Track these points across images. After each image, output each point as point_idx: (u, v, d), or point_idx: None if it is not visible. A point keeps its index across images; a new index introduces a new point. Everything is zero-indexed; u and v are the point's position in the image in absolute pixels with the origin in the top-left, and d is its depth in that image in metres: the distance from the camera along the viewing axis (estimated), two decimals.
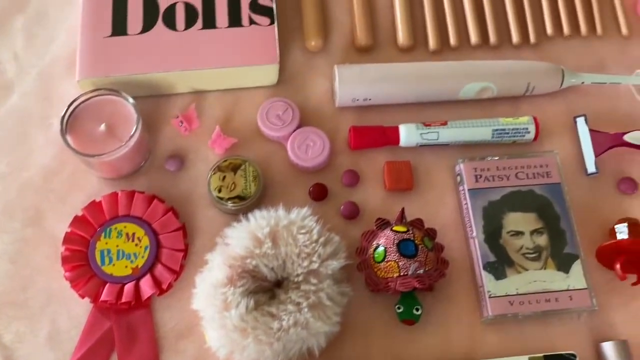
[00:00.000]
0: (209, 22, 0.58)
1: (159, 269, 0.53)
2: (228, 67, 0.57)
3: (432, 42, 0.62)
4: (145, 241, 0.53)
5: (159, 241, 0.54)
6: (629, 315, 0.53)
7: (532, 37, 0.62)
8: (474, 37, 0.62)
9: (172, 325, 0.52)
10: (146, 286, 0.52)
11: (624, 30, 0.63)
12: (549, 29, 0.63)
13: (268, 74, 0.59)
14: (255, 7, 0.59)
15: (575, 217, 0.56)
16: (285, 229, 0.50)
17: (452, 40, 0.62)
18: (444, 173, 0.58)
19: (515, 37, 0.62)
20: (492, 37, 0.62)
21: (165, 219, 0.54)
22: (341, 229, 0.55)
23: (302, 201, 0.56)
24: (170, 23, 0.58)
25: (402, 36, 0.62)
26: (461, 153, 0.58)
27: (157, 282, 0.52)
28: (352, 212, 0.56)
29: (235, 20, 0.58)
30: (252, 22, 0.58)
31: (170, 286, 0.53)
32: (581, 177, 0.58)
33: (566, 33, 0.63)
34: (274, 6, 0.59)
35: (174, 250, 0.54)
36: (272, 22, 0.59)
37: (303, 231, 0.50)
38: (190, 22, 0.58)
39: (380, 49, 0.63)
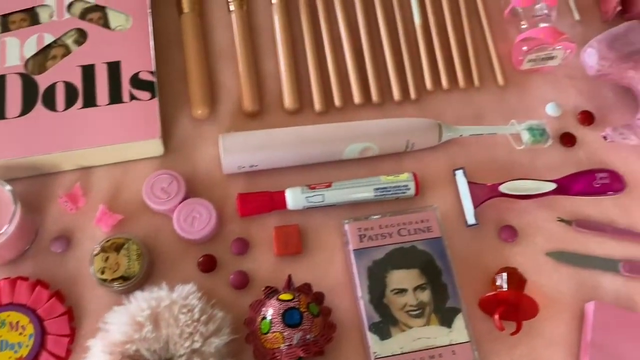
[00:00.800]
0: (90, 101, 0.58)
1: (45, 357, 0.52)
2: (109, 145, 0.57)
3: (317, 104, 0.64)
4: (30, 329, 0.52)
5: (44, 328, 0.53)
6: None
7: (412, 94, 0.65)
8: (357, 97, 0.64)
9: None
10: None
11: (500, 80, 0.66)
12: (429, 84, 0.65)
13: (152, 147, 0.59)
14: (136, 83, 0.60)
15: (459, 269, 0.58)
16: (166, 310, 0.50)
17: (337, 101, 0.64)
18: (332, 233, 0.59)
19: (396, 95, 0.65)
20: (374, 96, 0.65)
21: (50, 304, 0.53)
22: (231, 300, 0.56)
23: (192, 274, 0.57)
24: (50, 104, 0.58)
25: (287, 100, 0.64)
26: (349, 212, 0.60)
27: None
28: (242, 282, 0.56)
29: (115, 97, 0.59)
30: (132, 97, 0.59)
31: None
32: (463, 229, 0.60)
33: (445, 87, 0.66)
34: (155, 80, 0.60)
35: (59, 336, 0.53)
36: (153, 97, 0.59)
37: (184, 310, 0.50)
38: (70, 101, 0.58)
39: (268, 114, 0.64)
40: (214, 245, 0.58)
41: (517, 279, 0.56)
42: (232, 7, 0.67)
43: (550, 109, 0.65)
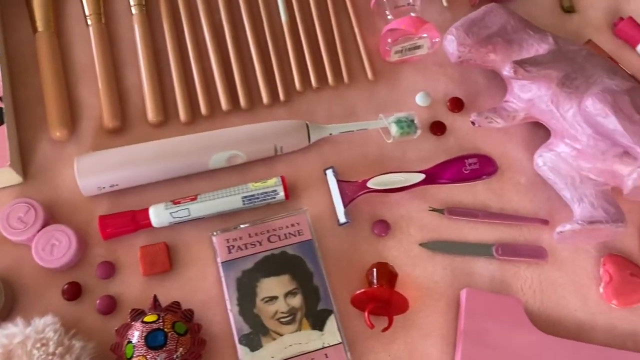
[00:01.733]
0: None
1: None
2: None
3: (182, 115, 0.62)
4: None
5: None
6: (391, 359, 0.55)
7: (281, 95, 0.64)
8: (224, 104, 0.63)
9: None
10: None
11: (370, 75, 0.66)
12: (298, 85, 0.64)
13: (8, 175, 0.57)
14: None
15: (334, 269, 0.57)
16: (19, 346, 0.48)
17: (203, 109, 0.63)
18: (203, 246, 0.58)
19: (265, 98, 0.64)
20: (242, 101, 0.63)
21: None
22: (99, 326, 0.54)
23: (56, 303, 0.55)
24: None
25: (151, 113, 0.62)
26: (219, 223, 0.58)
27: None
28: (109, 307, 0.54)
29: None
30: None
31: None
32: (337, 228, 0.59)
33: (315, 86, 0.65)
34: (3, 106, 0.58)
35: None
36: (1, 123, 0.57)
37: (38, 345, 0.48)
38: None
39: (132, 129, 0.62)
40: (79, 271, 0.56)
41: (387, 274, 0.56)
42: (89, 21, 0.65)
43: (420, 99, 0.65)
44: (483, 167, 0.62)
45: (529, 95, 0.61)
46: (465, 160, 0.62)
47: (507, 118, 0.62)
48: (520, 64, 0.56)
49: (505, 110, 0.63)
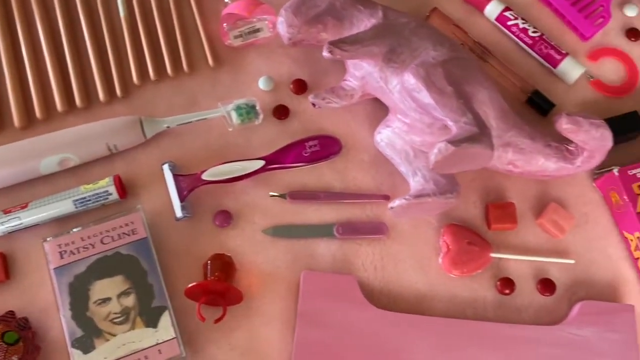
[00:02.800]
0: None
1: None
2: None
3: (16, 120, 0.61)
4: None
5: None
6: (227, 350, 0.55)
7: (118, 91, 0.63)
8: (59, 105, 0.62)
9: None
10: None
11: (211, 62, 0.65)
12: (135, 78, 0.63)
13: None
14: None
15: (173, 264, 0.57)
16: None
17: (38, 112, 0.61)
18: (39, 254, 0.57)
19: (101, 95, 0.62)
20: (78, 100, 0.62)
21: None
22: None
23: None
24: None
25: None
26: (55, 228, 0.58)
27: None
28: None
29: None
30: None
31: None
32: (176, 224, 0.59)
33: (153, 78, 0.64)
34: None
35: None
36: None
37: None
38: None
39: None
40: None
41: (221, 265, 0.56)
42: None
43: (262, 84, 0.64)
44: (325, 148, 0.62)
45: (362, 72, 0.60)
46: (306, 144, 0.62)
47: (345, 97, 0.62)
48: (335, 44, 0.55)
49: (343, 89, 0.62)
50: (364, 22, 0.60)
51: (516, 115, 0.59)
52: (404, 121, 0.59)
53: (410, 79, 0.54)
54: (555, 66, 0.66)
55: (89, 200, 0.57)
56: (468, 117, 0.51)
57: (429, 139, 0.58)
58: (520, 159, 0.58)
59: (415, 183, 0.58)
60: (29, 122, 0.61)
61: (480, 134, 0.50)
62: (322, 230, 0.60)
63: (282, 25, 0.61)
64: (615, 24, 0.69)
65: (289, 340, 0.56)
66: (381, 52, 0.57)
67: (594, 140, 0.56)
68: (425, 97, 0.54)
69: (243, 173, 0.60)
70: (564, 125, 0.55)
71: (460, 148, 0.49)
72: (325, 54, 0.56)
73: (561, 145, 0.58)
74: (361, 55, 0.57)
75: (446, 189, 0.57)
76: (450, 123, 0.52)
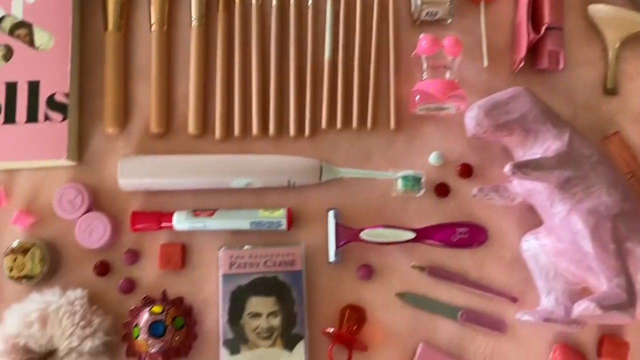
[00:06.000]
0: (10, 117, 0.66)
1: None
2: (24, 161, 0.66)
3: (218, 132, 0.70)
4: None
5: None
6: None
7: (307, 131, 0.70)
8: (255, 129, 0.70)
9: None
10: None
11: (392, 124, 0.70)
12: (324, 123, 0.70)
13: (62, 162, 0.67)
14: (51, 104, 0.67)
15: (315, 300, 0.66)
16: (53, 312, 0.61)
17: (236, 131, 0.70)
18: (212, 255, 0.67)
19: (292, 130, 0.70)
20: (272, 130, 0.70)
21: None
22: (118, 302, 0.66)
23: (88, 275, 0.67)
24: None
25: (191, 125, 0.70)
26: (228, 237, 0.68)
27: None
28: (129, 288, 0.66)
29: (32, 116, 0.66)
30: (47, 118, 0.67)
31: None
32: (326, 264, 0.67)
33: (339, 127, 0.70)
34: (68, 102, 0.67)
35: None
36: (64, 118, 0.67)
37: (68, 315, 0.61)
38: None
39: (174, 135, 0.71)
40: (110, 253, 0.68)
41: (356, 317, 0.64)
42: (153, 27, 0.71)
43: (433, 159, 0.69)
44: (472, 236, 0.67)
45: (531, 185, 0.64)
46: (457, 229, 0.67)
47: (507, 199, 0.66)
48: (519, 167, 0.59)
49: (507, 190, 0.66)
50: (548, 142, 0.63)
51: None
52: (556, 244, 0.62)
53: (577, 224, 0.58)
54: None
55: (263, 224, 0.66)
56: (621, 279, 0.54)
57: (574, 269, 0.61)
58: None
59: (547, 302, 0.63)
60: (227, 137, 0.70)
61: (627, 304, 0.53)
62: (448, 311, 0.66)
63: (471, 121, 0.65)
64: None
65: None
66: (558, 180, 0.61)
67: None
68: (587, 245, 0.57)
69: (394, 240, 0.67)
70: None
71: (606, 313, 0.52)
72: (507, 171, 0.60)
73: None
74: (539, 179, 0.60)
75: (574, 320, 0.61)
76: (603, 279, 0.56)
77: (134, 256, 0.67)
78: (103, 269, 0.67)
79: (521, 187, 0.65)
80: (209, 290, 0.67)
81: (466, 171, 0.69)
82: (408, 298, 0.67)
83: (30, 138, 0.66)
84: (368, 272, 0.67)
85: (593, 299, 0.53)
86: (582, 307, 0.53)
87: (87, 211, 0.67)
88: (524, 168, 0.59)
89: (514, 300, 0.66)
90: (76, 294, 0.63)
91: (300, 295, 0.65)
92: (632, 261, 0.58)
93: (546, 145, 0.63)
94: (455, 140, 0.71)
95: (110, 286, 0.67)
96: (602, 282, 0.55)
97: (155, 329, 0.62)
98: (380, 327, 0.66)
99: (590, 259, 0.56)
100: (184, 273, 0.68)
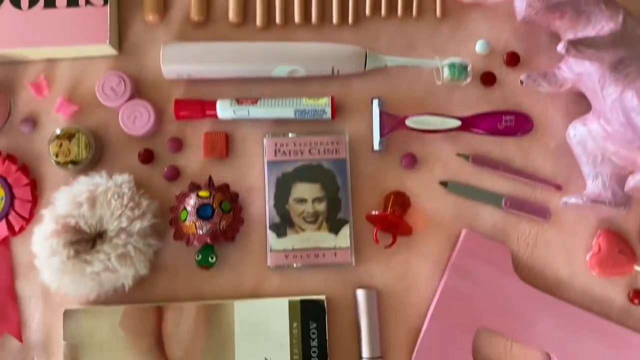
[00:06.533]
0: (50, 1, 0.65)
1: (13, 216, 0.66)
2: (64, 45, 0.65)
3: (258, 20, 0.68)
4: (1, 192, 0.66)
5: (12, 193, 0.66)
6: (385, 269, 0.65)
7: (350, 18, 0.68)
8: (297, 17, 0.68)
9: (24, 259, 0.66)
10: (2, 229, 0.65)
11: (438, 13, 0.68)
12: (368, 10, 0.68)
13: (104, 49, 0.66)
14: None
15: (359, 187, 0.67)
16: (102, 194, 0.62)
17: (278, 19, 0.68)
18: (256, 143, 0.67)
19: (335, 18, 0.68)
20: (314, 18, 0.68)
21: (17, 175, 0.66)
22: (163, 189, 0.67)
23: (133, 163, 0.67)
24: (15, 2, 0.65)
25: (232, 13, 0.68)
26: (272, 127, 0.67)
27: (11, 226, 0.66)
28: (173, 175, 0.67)
29: (73, 0, 0.65)
30: (87, 2, 0.65)
31: (22, 229, 0.66)
32: (370, 153, 0.67)
33: (383, 14, 0.68)
34: None
35: (24, 200, 0.66)
36: (105, 3, 0.65)
37: (116, 196, 0.62)
38: (33, 1, 0.65)
39: (214, 23, 0.69)
40: (154, 141, 0.68)
41: (401, 202, 0.65)
42: None
43: (479, 47, 0.68)
44: (518, 125, 0.67)
45: (581, 69, 0.62)
46: (503, 117, 0.66)
47: (555, 85, 0.65)
48: (574, 44, 0.57)
49: (555, 76, 0.65)
50: (601, 23, 0.61)
51: None
52: (605, 128, 0.62)
53: (633, 100, 0.56)
54: None
55: (307, 112, 0.66)
56: None
57: (623, 152, 0.61)
58: None
59: (594, 186, 0.62)
60: (268, 25, 0.69)
61: None
62: (492, 198, 0.66)
63: (521, 2, 0.63)
64: None
65: (435, 280, 0.65)
66: (611, 60, 0.59)
67: None
68: None
69: (440, 128, 0.66)
70: None
71: None
72: (561, 48, 0.58)
73: None
74: (593, 59, 0.59)
75: (621, 202, 0.61)
76: None
77: (178, 144, 0.67)
78: (147, 156, 0.67)
79: (570, 71, 0.64)
80: (254, 178, 0.67)
81: (513, 59, 0.68)
82: (451, 186, 0.67)
83: (71, 22, 0.65)
84: (412, 160, 0.67)
85: None
86: (637, 178, 0.53)
87: (130, 99, 0.67)
88: (579, 45, 0.58)
89: (558, 187, 0.67)
90: (123, 178, 0.64)
91: (344, 183, 0.65)
92: None
93: (599, 27, 0.61)
94: (502, 28, 0.69)
95: (155, 174, 0.67)
96: None
97: (203, 211, 0.63)
98: (423, 214, 0.67)
99: None
100: (228, 162, 0.68)
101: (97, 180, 0.63)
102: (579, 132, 0.64)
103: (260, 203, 0.67)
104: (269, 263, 0.64)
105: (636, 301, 0.65)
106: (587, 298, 0.66)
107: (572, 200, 0.62)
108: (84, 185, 0.63)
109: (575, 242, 0.66)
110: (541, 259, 0.66)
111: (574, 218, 0.66)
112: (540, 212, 0.66)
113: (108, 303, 0.63)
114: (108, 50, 0.67)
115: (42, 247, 0.62)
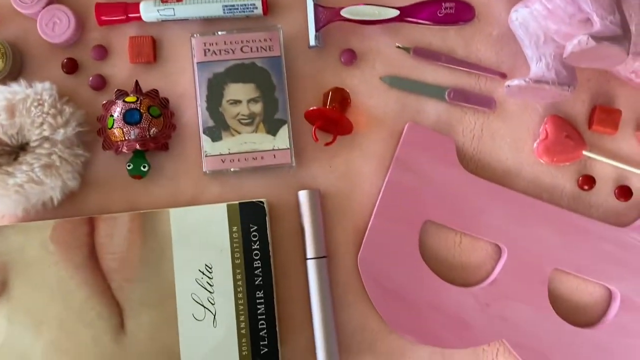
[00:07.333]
0: None
1: None
2: None
3: None
4: None
5: None
6: (327, 170, 0.63)
7: None
8: None
9: None
10: None
11: None
12: None
13: None
14: None
15: (296, 86, 0.64)
16: (20, 102, 0.58)
17: None
18: (184, 46, 0.64)
19: None
20: None
21: None
22: (90, 99, 0.63)
23: (57, 74, 0.63)
24: None
25: None
26: (200, 26, 0.64)
27: None
28: (99, 84, 0.63)
29: None
30: None
31: None
32: (307, 50, 0.64)
33: None
34: None
35: None
36: None
37: (36, 104, 0.58)
38: None
39: None
40: (77, 50, 0.64)
41: (340, 98, 0.62)
42: None
43: None
44: (459, 13, 0.64)
45: None
46: (442, 4, 0.63)
47: None
48: None
49: None
50: None
51: None
52: (546, 5, 0.59)
53: None
54: None
55: (237, 8, 0.62)
56: (615, 16, 0.52)
57: (565, 29, 0.59)
58: None
59: (537, 68, 0.60)
60: None
61: (622, 37, 0.51)
62: (435, 91, 0.64)
63: None
64: None
65: (380, 178, 0.63)
66: None
67: None
68: None
69: (378, 18, 0.63)
70: None
71: (600, 45, 0.50)
72: None
73: None
74: None
75: (565, 81, 0.59)
76: (596, 18, 0.53)
77: (103, 52, 0.64)
78: (71, 65, 0.63)
79: None
80: (185, 84, 0.64)
81: None
82: (393, 81, 0.64)
83: None
84: (351, 56, 0.64)
85: (586, 33, 0.51)
86: (575, 42, 0.51)
87: (48, 4, 0.63)
88: None
89: (502, 76, 0.64)
90: (44, 86, 0.60)
91: (280, 81, 0.62)
92: (625, 6, 0.55)
93: None
94: None
95: (80, 84, 0.63)
96: (595, 22, 0.53)
97: (130, 116, 0.60)
98: (365, 111, 0.64)
99: (583, 1, 0.53)
100: (156, 67, 0.64)
101: (15, 89, 0.59)
102: (520, 15, 0.62)
103: (194, 110, 0.63)
104: (204, 168, 0.62)
105: (586, 187, 0.64)
106: (536, 187, 0.64)
107: (515, 82, 0.60)
108: (0, 94, 0.59)
109: (522, 131, 0.64)
110: (488, 150, 0.64)
111: (520, 107, 0.64)
112: (485, 103, 0.64)
113: (39, 219, 0.61)
114: None
115: None
